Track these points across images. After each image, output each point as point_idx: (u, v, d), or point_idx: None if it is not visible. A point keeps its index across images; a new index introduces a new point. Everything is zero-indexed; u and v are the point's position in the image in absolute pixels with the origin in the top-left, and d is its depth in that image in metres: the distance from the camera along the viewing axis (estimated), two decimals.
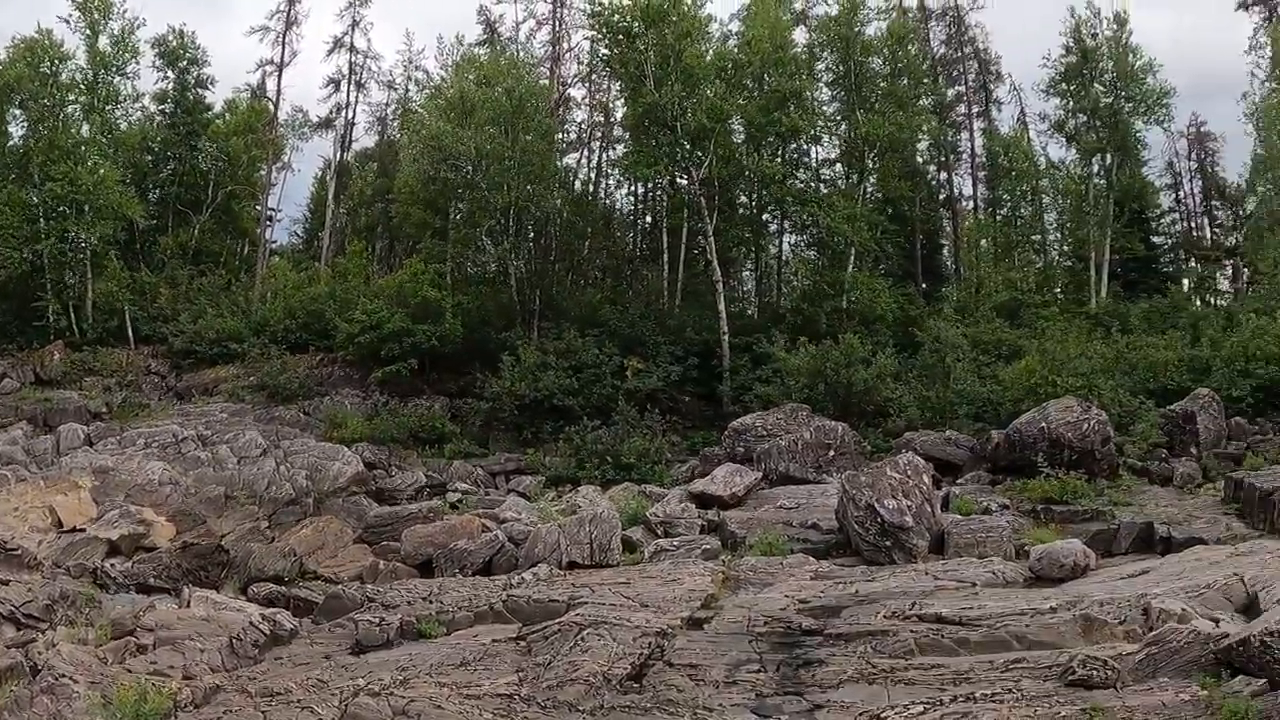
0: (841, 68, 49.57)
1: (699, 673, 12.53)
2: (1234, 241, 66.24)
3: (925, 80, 55.06)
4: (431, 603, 16.80)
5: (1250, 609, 13.90)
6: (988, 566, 17.95)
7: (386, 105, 67.29)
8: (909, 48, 52.67)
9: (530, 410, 37.05)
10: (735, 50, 48.02)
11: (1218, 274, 67.03)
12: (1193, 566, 16.68)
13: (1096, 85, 51.64)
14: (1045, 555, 17.91)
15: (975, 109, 67.00)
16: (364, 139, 67.98)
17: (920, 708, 10.58)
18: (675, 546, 21.21)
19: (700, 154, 43.05)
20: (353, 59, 64.25)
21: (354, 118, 65.42)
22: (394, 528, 24.22)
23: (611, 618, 14.08)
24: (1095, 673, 11.22)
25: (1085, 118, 52.40)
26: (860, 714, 10.71)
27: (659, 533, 22.73)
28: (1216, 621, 12.81)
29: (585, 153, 60.61)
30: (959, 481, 27.77)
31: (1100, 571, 17.76)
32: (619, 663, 12.54)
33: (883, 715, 10.46)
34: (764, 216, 51.95)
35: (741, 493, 26.01)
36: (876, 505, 20.07)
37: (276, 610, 16.45)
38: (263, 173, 56.75)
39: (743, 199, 50.23)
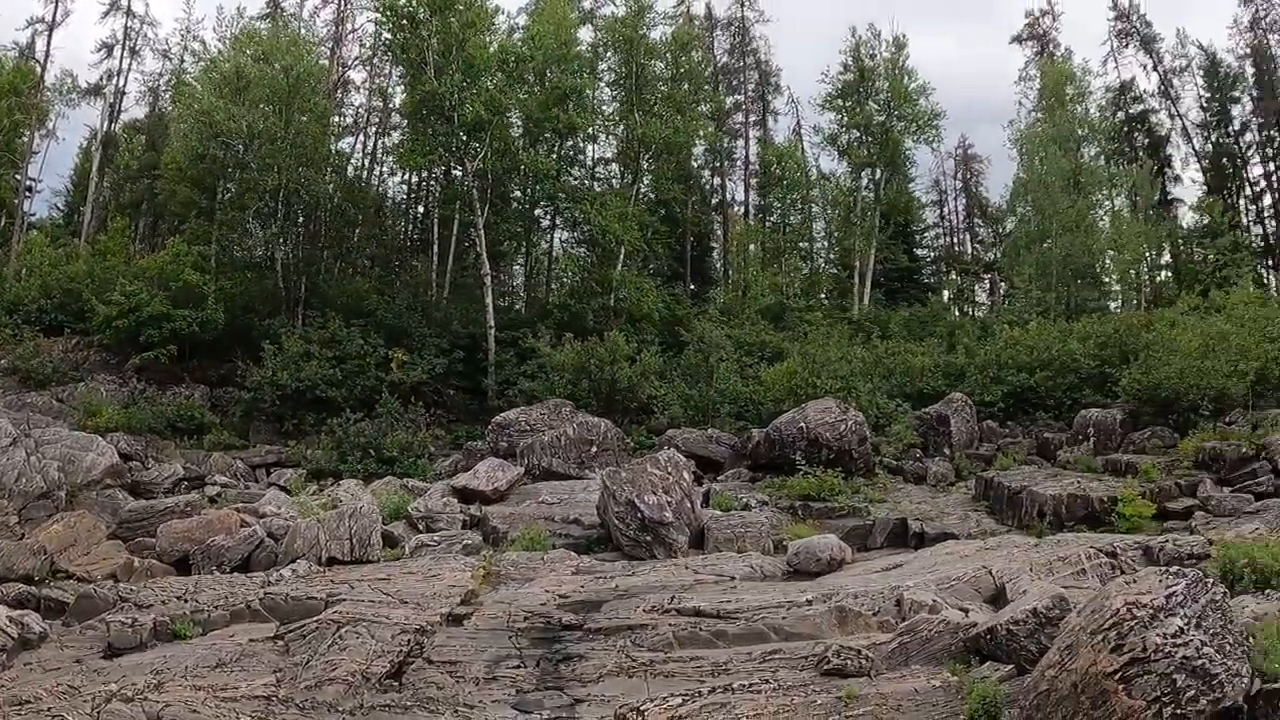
0: (624, 69, 50.09)
1: (459, 669, 12.27)
2: (993, 257, 69.81)
3: (706, 87, 56.07)
4: (186, 602, 15.92)
5: (998, 599, 14.54)
6: (747, 561, 18.17)
7: (160, 75, 63.52)
8: (692, 54, 53.45)
9: (292, 401, 35.97)
10: (519, 44, 47.47)
11: (976, 287, 70.50)
12: (944, 560, 17.27)
13: (871, 103, 53.75)
14: (802, 550, 18.18)
15: (753, 118, 68.94)
16: (134, 109, 64.01)
17: (679, 699, 10.54)
18: (436, 542, 20.81)
19: (476, 146, 42.52)
20: (128, 23, 60.91)
21: (125, 86, 61.59)
22: (150, 523, 22.89)
23: (370, 615, 13.66)
24: (849, 662, 11.45)
25: (858, 133, 54.38)
26: (620, 707, 10.59)
27: (420, 528, 22.29)
28: (966, 611, 13.27)
29: (361, 138, 59.44)
30: (720, 478, 28.19)
31: (856, 565, 18.18)
32: (378, 661, 12.18)
33: (642, 708, 10.38)
34: (536, 212, 51.88)
35: (504, 488, 25.74)
36: (637, 501, 20.07)
37: (25, 612, 15.25)
38: (24, 139, 52.55)
39: (516, 193, 50.02)
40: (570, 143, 50.77)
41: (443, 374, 38.88)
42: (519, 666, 12.43)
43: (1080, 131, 59.59)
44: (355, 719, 11.10)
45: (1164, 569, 10.61)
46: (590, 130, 50.52)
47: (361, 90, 61.19)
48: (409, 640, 12.83)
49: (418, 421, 33.77)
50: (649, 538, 19.86)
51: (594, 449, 29.09)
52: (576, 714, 11.22)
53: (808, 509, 23.68)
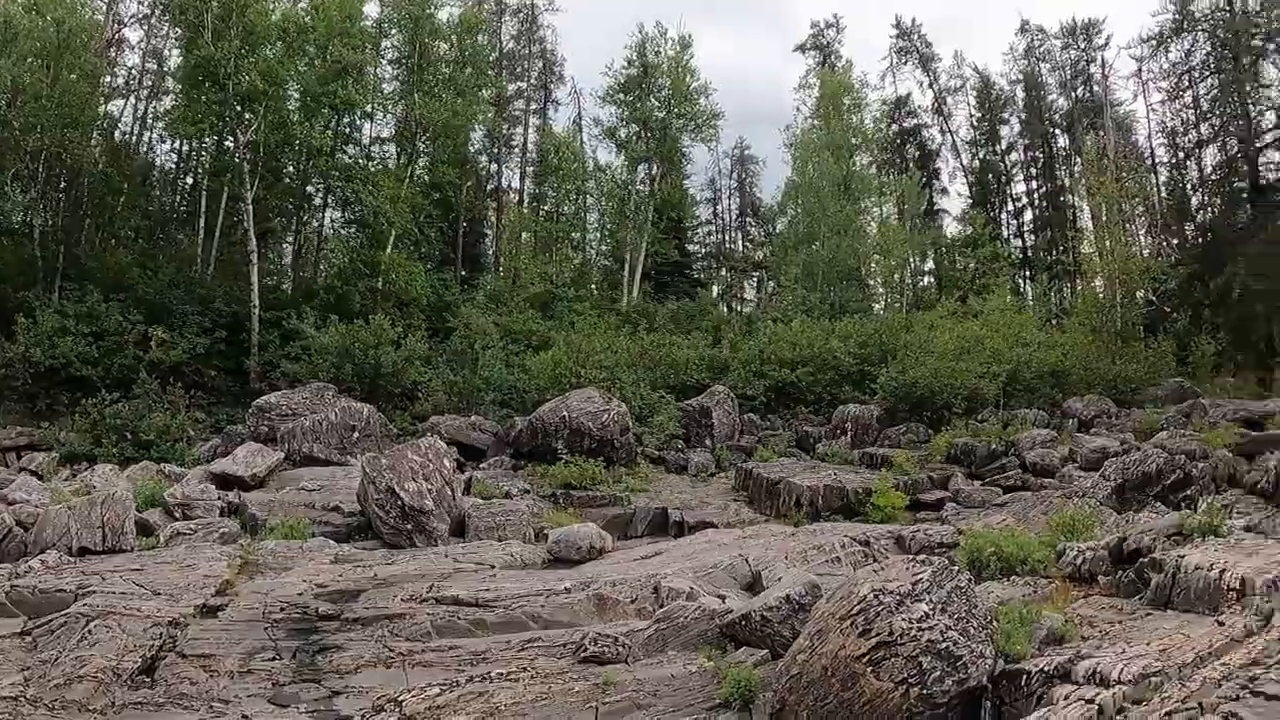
0: (408, 48, 49.41)
1: (213, 663, 11.83)
2: (762, 255, 71.57)
3: (489, 72, 55.69)
4: None
5: (754, 586, 15.02)
6: (507, 549, 18.10)
7: None
8: (478, 38, 53.10)
9: (46, 379, 34.10)
10: (303, 14, 46.15)
11: (745, 283, 72.27)
12: (703, 548, 17.59)
13: (653, 99, 54.37)
14: (563, 538, 18.28)
15: (534, 106, 68.87)
16: None
17: (437, 689, 10.49)
18: (193, 530, 20.00)
19: (250, 117, 41.20)
20: None
21: None
22: None
23: (122, 608, 13.08)
24: (607, 649, 11.61)
25: (638, 128, 54.87)
26: (378, 699, 10.48)
27: (177, 515, 21.37)
28: (723, 598, 13.62)
29: (132, 100, 56.21)
30: (483, 466, 28.10)
31: (617, 554, 18.32)
32: (129, 656, 11.63)
33: (400, 699, 10.29)
34: (308, 189, 50.46)
35: (263, 474, 24.95)
36: (397, 488, 19.79)
37: None
38: None
39: (289, 169, 48.58)
40: (347, 119, 49.60)
41: (204, 354, 37.41)
42: (275, 659, 12.07)
43: (854, 140, 62.06)
44: (107, 718, 10.65)
45: (912, 557, 11.12)
46: (368, 108, 49.55)
47: (136, 50, 58.08)
48: (161, 634, 12.32)
49: (177, 403, 32.24)
50: (409, 526, 19.62)
51: (356, 434, 28.50)
52: (334, 706, 10.96)
53: (569, 497, 23.96)
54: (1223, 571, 12.25)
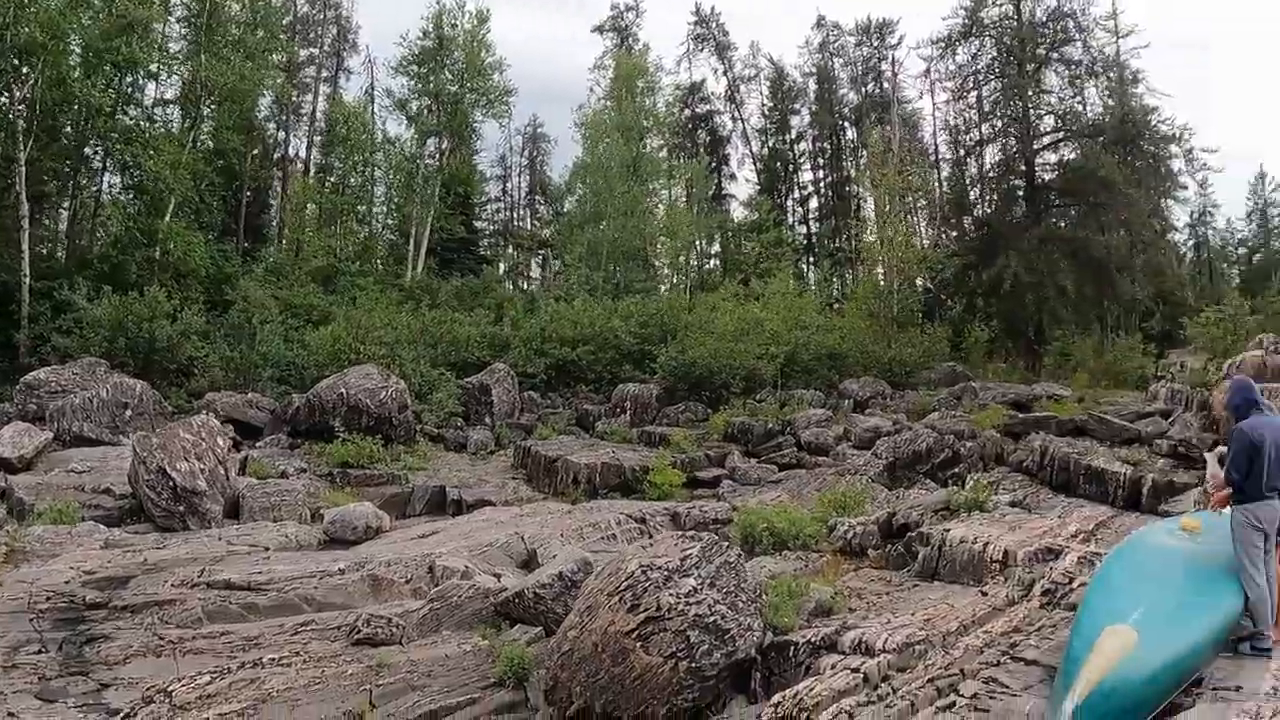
0: (197, 5, 47.19)
1: None
2: (549, 234, 71.64)
3: (281, 36, 53.80)
4: None
5: (529, 564, 15.14)
6: (282, 530, 17.77)
7: None
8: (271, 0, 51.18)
9: None
10: None
11: (532, 261, 72.16)
12: (480, 527, 17.65)
13: (446, 72, 53.58)
14: (339, 518, 18.03)
15: (325, 74, 67.01)
16: None
17: (208, 678, 10.21)
18: None
19: (28, 70, 38.56)
20: None
21: None
22: None
23: None
24: (380, 630, 11.52)
25: (429, 101, 54.03)
26: (148, 689, 10.11)
27: None
28: (498, 577, 13.66)
29: None
30: (259, 445, 27.41)
31: (394, 533, 18.20)
32: None
33: (170, 689, 9.95)
34: (86, 151, 47.79)
35: (31, 455, 23.63)
36: (169, 468, 19.14)
37: None
38: None
39: (67, 129, 45.84)
40: (130, 79, 46.87)
41: None
42: (41, 652, 11.58)
43: (645, 123, 62.46)
44: None
45: (681, 533, 11.29)
46: (153, 67, 47.24)
47: None
48: None
49: None
50: (182, 508, 19.00)
51: (129, 413, 27.38)
52: (103, 700, 10.57)
53: (347, 476, 23.57)
54: (986, 544, 12.86)
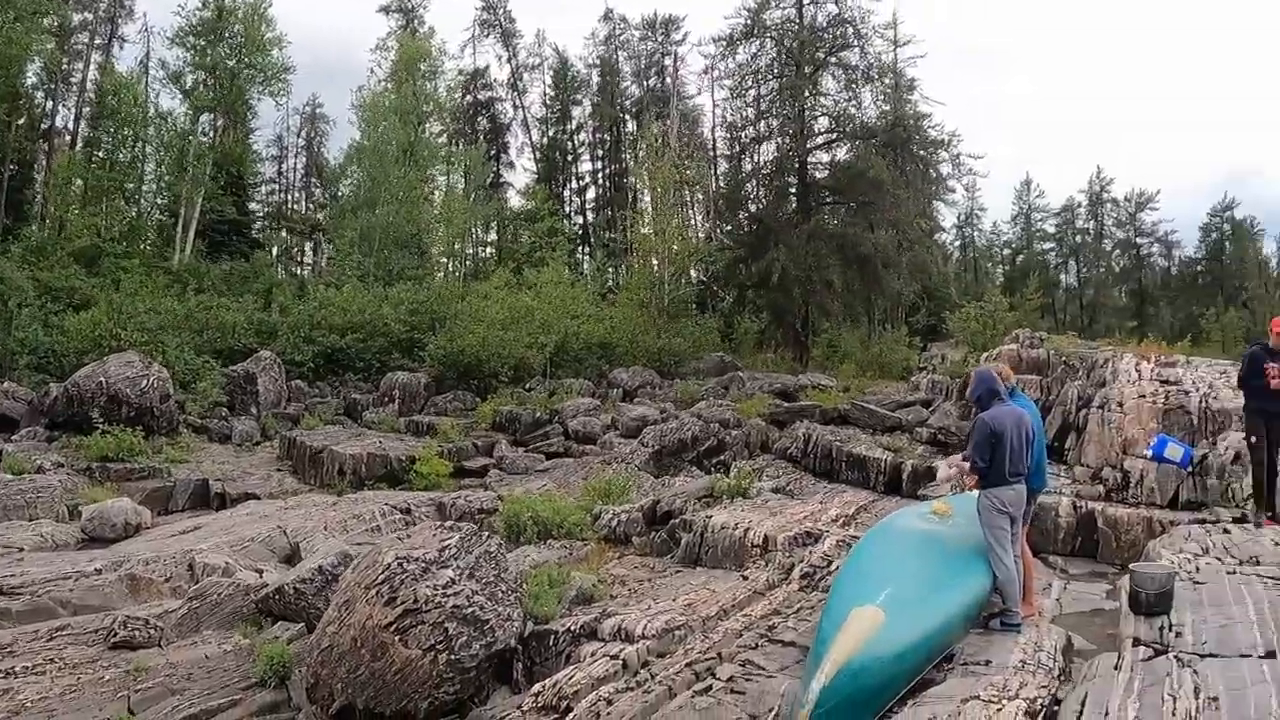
0: None
1: None
2: (323, 218, 70.26)
3: None
4: None
5: (292, 558, 14.96)
6: (37, 529, 17.03)
7: None
8: None
9: None
10: None
11: (304, 246, 70.67)
12: (243, 521, 17.37)
13: (224, 46, 51.78)
14: (97, 515, 17.38)
15: (99, 41, 63.57)
16: None
17: None
18: None
19: None
20: None
21: None
22: None
23: None
24: (138, 632, 11.18)
25: (205, 75, 52.23)
26: None
27: None
28: (260, 572, 13.47)
29: None
30: (15, 438, 25.99)
31: (154, 530, 17.67)
32: None
33: None
34: None
35: None
36: None
37: None
38: None
39: None
40: None
41: None
42: None
43: (425, 107, 61.75)
44: None
45: (440, 524, 11.35)
46: None
47: None
48: None
49: None
50: None
51: None
52: None
53: (107, 471, 22.55)
54: (748, 530, 13.35)
